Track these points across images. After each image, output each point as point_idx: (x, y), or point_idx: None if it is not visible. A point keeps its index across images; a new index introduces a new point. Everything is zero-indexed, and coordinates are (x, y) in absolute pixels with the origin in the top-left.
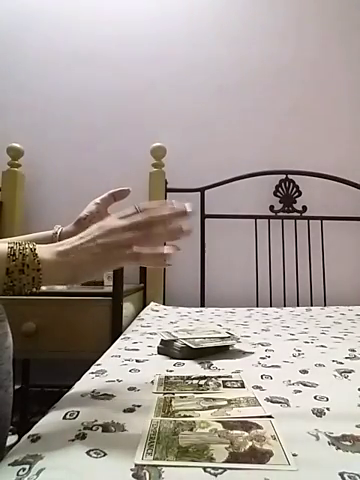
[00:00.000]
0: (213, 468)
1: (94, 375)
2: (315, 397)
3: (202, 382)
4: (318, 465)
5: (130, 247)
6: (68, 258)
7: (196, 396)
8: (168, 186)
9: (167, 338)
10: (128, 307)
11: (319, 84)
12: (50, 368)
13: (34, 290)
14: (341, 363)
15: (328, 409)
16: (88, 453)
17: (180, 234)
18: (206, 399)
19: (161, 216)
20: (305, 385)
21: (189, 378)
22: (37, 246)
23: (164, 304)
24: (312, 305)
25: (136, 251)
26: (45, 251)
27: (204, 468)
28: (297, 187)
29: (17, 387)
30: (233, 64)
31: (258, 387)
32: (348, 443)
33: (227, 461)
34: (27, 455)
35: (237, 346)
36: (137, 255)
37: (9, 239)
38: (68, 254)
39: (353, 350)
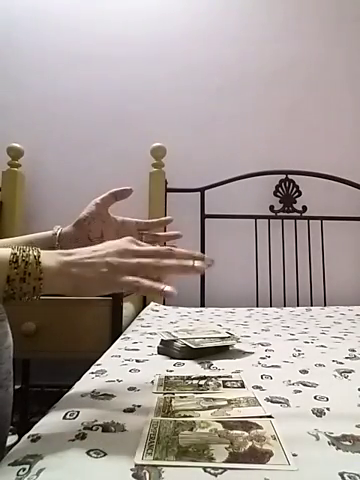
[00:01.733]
0: (213, 468)
1: (94, 375)
2: (315, 397)
3: (202, 382)
4: (318, 465)
5: (135, 274)
6: (73, 270)
7: (196, 396)
8: (168, 186)
9: (167, 338)
10: (128, 307)
11: (319, 84)
12: (50, 368)
13: (34, 299)
14: (341, 363)
15: (328, 409)
16: (88, 453)
17: (191, 270)
18: (206, 399)
19: (180, 252)
20: (305, 385)
21: (189, 378)
22: (42, 253)
23: (164, 304)
24: (312, 305)
25: (138, 281)
26: (50, 259)
27: (204, 468)
28: (297, 187)
29: (17, 387)
30: (233, 64)
31: (258, 387)
32: (348, 443)
33: (227, 461)
34: (27, 455)
35: (237, 346)
36: (137, 286)
37: (9, 240)
38: (74, 266)
39: (353, 350)
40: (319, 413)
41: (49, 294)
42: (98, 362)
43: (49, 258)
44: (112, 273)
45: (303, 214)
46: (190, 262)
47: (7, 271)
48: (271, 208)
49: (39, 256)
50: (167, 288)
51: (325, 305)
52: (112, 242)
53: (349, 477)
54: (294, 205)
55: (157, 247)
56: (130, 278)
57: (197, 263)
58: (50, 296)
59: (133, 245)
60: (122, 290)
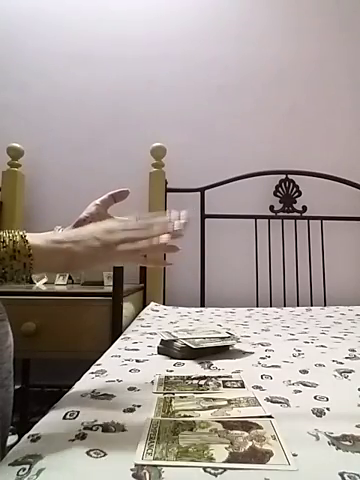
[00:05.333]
0: (213, 468)
1: (94, 375)
2: (315, 397)
3: (202, 382)
4: (318, 465)
5: (127, 243)
6: (62, 246)
7: (196, 396)
8: (168, 186)
9: (167, 338)
10: (128, 307)
11: (319, 84)
12: (50, 368)
13: (25, 277)
14: (341, 363)
15: (328, 409)
16: (88, 453)
17: (176, 235)
18: (206, 399)
19: (160, 222)
20: (305, 385)
21: (189, 378)
22: (28, 234)
23: (164, 304)
24: (312, 305)
25: (134, 247)
26: (37, 237)
27: (204, 468)
28: (297, 187)
29: (17, 387)
30: (233, 64)
31: (258, 387)
32: (348, 443)
33: (227, 461)
34: (27, 455)
35: (237, 346)
36: (134, 248)
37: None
38: (63, 242)
39: (353, 350)
40: (319, 413)
41: (49, 293)
42: (98, 362)
43: (36, 237)
44: (103, 247)
45: (303, 214)
46: (175, 223)
47: None
48: (271, 208)
49: (25, 235)
50: (167, 239)
51: (325, 305)
52: (97, 223)
53: (349, 477)
54: (294, 205)
55: (140, 222)
56: (123, 245)
57: (181, 219)
58: (50, 296)
59: (120, 223)
60: (117, 262)
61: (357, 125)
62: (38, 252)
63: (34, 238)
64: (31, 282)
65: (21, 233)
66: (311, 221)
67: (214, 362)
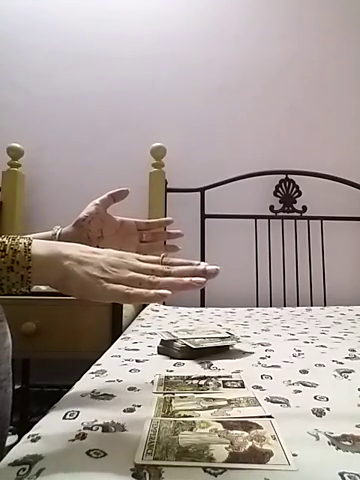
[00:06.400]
0: (213, 468)
1: (94, 375)
2: (315, 397)
3: (202, 382)
4: (318, 465)
5: (127, 285)
6: (64, 263)
7: (196, 396)
8: (168, 186)
9: (167, 338)
10: (128, 307)
11: (319, 84)
12: (50, 368)
13: (23, 290)
14: (341, 363)
15: (328, 409)
16: (88, 453)
17: (188, 287)
18: (206, 399)
19: (178, 270)
20: (305, 385)
21: (189, 378)
22: (37, 241)
23: (164, 304)
24: (312, 305)
25: (129, 288)
26: (44, 247)
27: (204, 468)
28: (297, 187)
29: (17, 387)
30: (233, 64)
31: (258, 387)
32: (348, 443)
33: (227, 461)
34: (27, 455)
35: (237, 346)
36: (128, 293)
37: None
38: (66, 259)
39: (353, 350)
40: (319, 413)
41: (49, 293)
42: (98, 362)
43: (43, 247)
44: (101, 278)
45: (303, 214)
46: (186, 279)
47: None
48: (271, 208)
49: (30, 244)
50: (161, 291)
51: (325, 305)
52: (114, 251)
53: (349, 477)
54: (294, 205)
55: (155, 266)
56: (119, 286)
57: (195, 278)
58: (50, 296)
59: (134, 260)
60: (108, 300)
61: (357, 125)
62: (38, 263)
63: (39, 247)
64: None
65: (26, 241)
66: (311, 221)
67: (214, 362)
